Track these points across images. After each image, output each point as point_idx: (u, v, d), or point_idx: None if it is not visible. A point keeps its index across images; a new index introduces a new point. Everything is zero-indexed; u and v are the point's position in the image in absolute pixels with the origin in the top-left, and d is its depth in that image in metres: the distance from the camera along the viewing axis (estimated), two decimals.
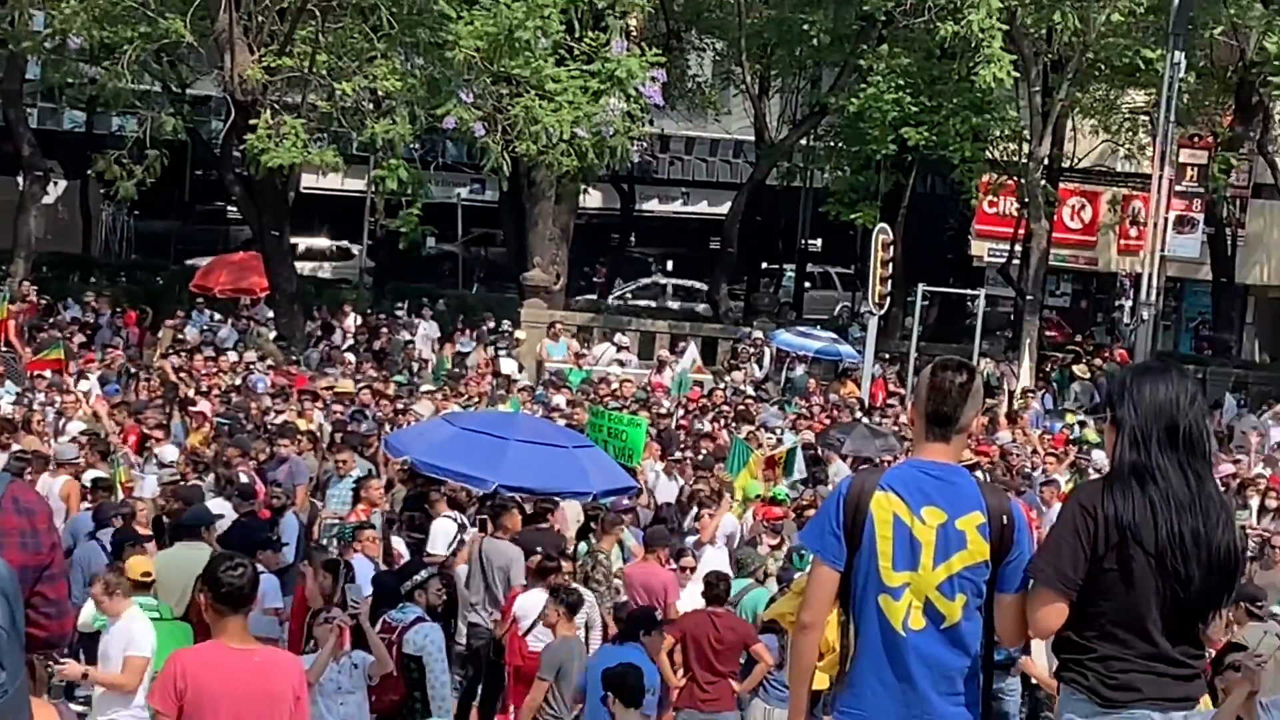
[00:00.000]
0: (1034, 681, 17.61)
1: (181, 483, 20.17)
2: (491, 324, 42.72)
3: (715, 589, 16.54)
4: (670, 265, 63.82)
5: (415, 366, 37.29)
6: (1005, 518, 7.23)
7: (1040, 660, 16.76)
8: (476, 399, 30.34)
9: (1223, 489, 7.74)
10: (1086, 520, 6.89)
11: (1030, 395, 40.26)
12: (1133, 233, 51.71)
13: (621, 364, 40.20)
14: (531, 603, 16.85)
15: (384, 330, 41.68)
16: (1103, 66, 44.94)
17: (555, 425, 25.51)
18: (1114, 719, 6.99)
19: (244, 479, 20.56)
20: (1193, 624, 7.08)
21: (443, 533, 19.82)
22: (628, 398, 32.28)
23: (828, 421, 31.74)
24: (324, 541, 20.99)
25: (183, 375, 30.49)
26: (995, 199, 51.53)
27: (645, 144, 46.64)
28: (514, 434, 21.86)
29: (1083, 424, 35.90)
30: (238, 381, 30.71)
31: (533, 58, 34.02)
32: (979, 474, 21.41)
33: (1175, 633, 6.97)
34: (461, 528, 20.14)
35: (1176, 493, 6.86)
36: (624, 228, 65.01)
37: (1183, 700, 7.05)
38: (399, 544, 19.89)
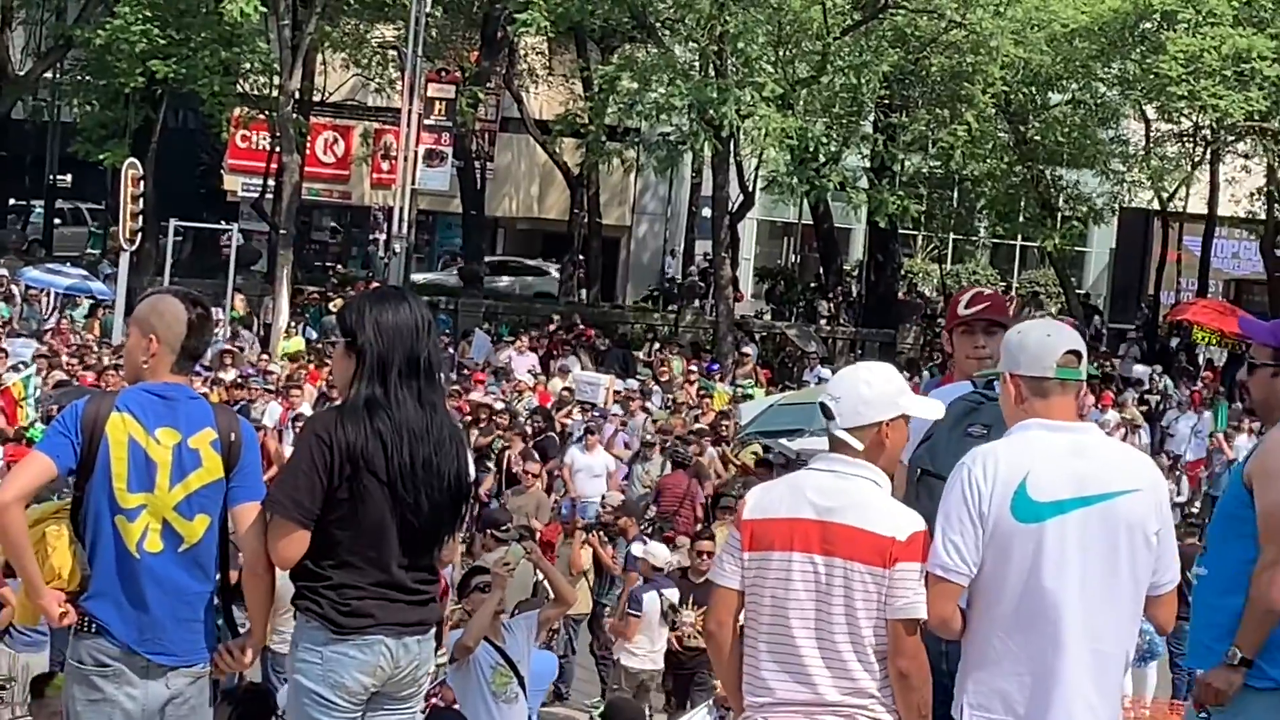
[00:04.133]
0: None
1: None
2: None
3: None
4: None
5: None
6: (234, 434, 7.33)
7: None
8: None
9: (453, 417, 8.13)
10: (322, 449, 7.01)
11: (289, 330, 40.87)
12: (385, 166, 52.55)
13: None
14: None
15: None
16: (352, 1, 45.55)
17: None
18: (348, 645, 7.10)
19: None
20: (427, 550, 7.32)
21: None
22: None
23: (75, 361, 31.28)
24: None
25: None
26: (248, 133, 51.42)
27: None
28: None
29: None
30: None
31: None
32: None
33: (410, 559, 7.18)
34: None
35: (411, 422, 7.07)
36: None
37: (417, 625, 7.31)
38: None
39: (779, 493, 6.63)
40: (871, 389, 6.53)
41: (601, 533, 21.33)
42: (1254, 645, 7.11)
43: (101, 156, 45.49)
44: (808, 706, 6.42)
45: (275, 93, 44.77)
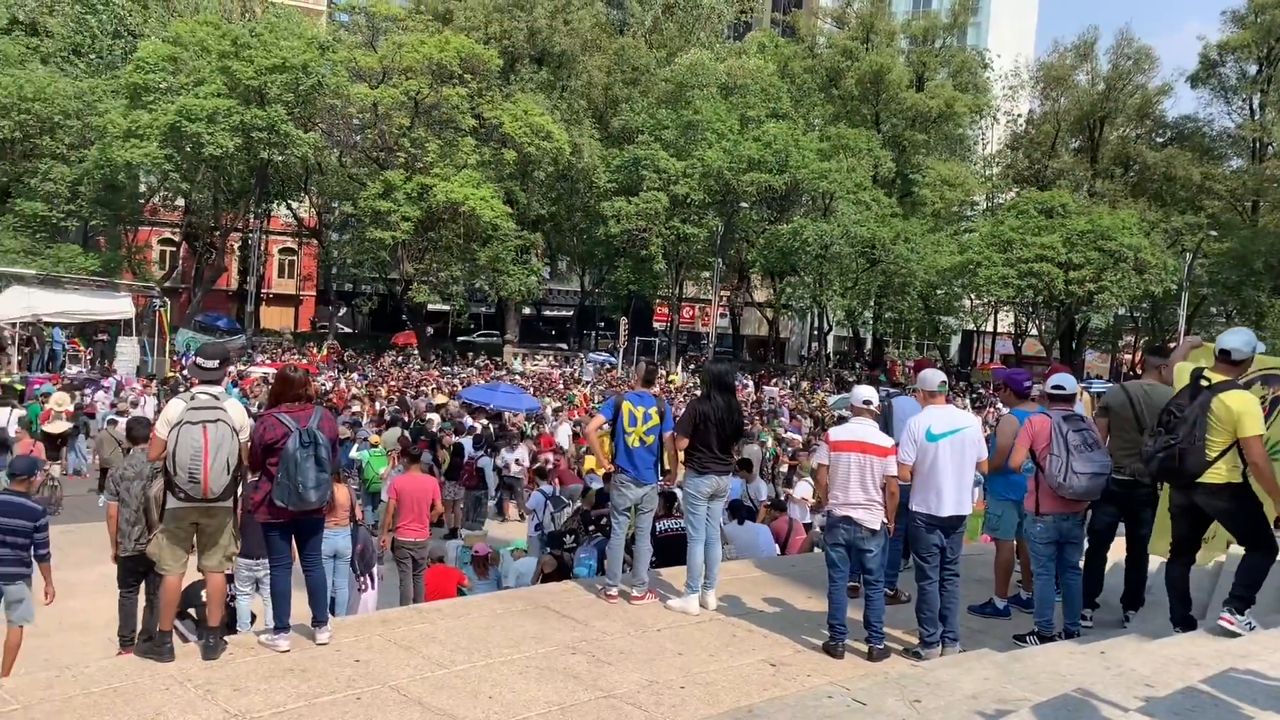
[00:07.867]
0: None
1: None
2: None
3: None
4: None
5: None
6: (662, 409, 10.01)
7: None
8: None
9: (741, 403, 10.67)
10: (694, 411, 9.84)
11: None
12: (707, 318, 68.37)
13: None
14: None
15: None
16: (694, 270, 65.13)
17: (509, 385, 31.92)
18: (703, 479, 9.87)
19: None
20: (729, 445, 10.10)
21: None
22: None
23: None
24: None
25: None
26: (664, 311, 68.77)
27: None
28: (500, 388, 30.82)
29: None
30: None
31: None
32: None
33: (722, 449, 9.96)
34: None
35: (722, 404, 9.89)
36: None
37: (727, 471, 9.96)
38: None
39: (844, 431, 8.96)
40: (872, 394, 8.99)
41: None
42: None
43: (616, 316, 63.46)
44: (852, 505, 8.86)
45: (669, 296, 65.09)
